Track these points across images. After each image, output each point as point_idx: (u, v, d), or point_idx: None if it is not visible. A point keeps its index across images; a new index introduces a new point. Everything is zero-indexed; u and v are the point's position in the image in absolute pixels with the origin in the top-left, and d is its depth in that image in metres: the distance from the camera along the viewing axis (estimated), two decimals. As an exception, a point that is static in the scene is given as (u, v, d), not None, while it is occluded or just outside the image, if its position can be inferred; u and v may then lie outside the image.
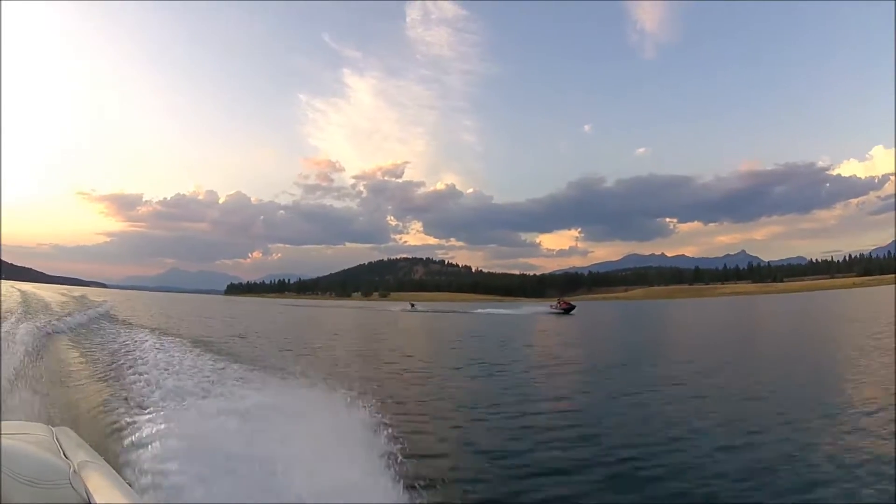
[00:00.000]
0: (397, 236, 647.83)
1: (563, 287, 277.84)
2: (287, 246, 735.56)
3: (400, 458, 4.79)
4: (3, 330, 10.37)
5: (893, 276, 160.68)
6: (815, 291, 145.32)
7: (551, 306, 53.36)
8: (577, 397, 10.33)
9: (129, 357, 10.03)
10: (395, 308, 69.20)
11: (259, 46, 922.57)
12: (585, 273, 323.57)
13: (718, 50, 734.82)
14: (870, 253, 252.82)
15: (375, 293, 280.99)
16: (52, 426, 2.54)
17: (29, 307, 21.70)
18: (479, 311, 59.17)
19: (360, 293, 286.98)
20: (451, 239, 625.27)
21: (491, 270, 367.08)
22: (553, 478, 5.72)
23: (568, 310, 50.82)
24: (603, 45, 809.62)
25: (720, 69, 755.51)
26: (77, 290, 67.74)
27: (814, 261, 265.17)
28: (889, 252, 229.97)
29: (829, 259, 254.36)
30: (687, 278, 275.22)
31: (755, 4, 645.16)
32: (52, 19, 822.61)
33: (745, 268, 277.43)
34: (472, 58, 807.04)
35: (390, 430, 5.52)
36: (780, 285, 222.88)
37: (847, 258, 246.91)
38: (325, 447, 4.38)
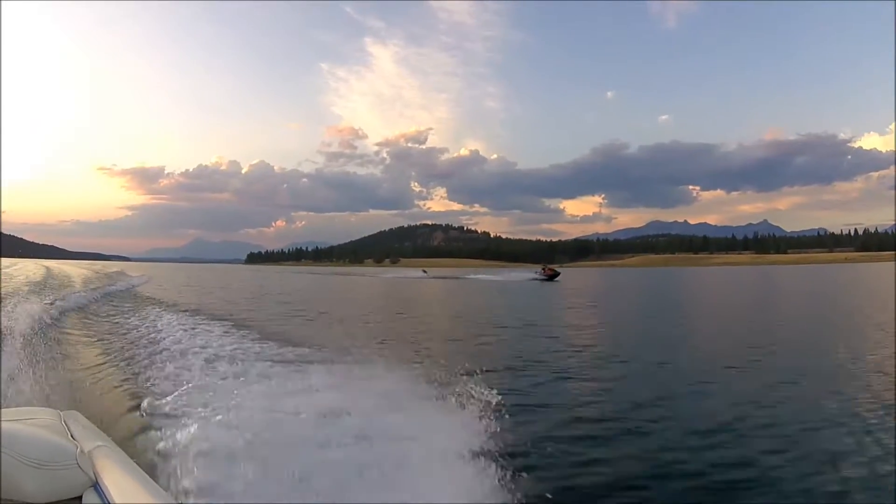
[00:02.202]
0: (421, 202, 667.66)
1: (574, 254, 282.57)
2: (311, 214, 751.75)
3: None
4: (10, 308, 9.84)
5: (893, 253, 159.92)
6: (804, 265, 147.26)
7: (536, 273, 53.52)
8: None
9: (143, 336, 9.90)
10: (389, 275, 71.30)
11: (281, 18, 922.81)
12: (610, 239, 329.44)
13: (740, 19, 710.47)
14: (894, 227, 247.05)
15: (387, 260, 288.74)
16: (61, 410, 2.41)
17: (46, 284, 21.35)
18: (470, 276, 60.59)
19: (371, 260, 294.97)
20: (475, 205, 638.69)
21: (515, 236, 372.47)
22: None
23: (552, 276, 50.89)
24: (625, 12, 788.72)
25: (742, 38, 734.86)
26: (114, 266, 67.21)
27: (833, 233, 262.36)
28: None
29: (849, 233, 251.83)
30: (696, 247, 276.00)
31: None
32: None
33: (752, 237, 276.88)
34: (494, 25, 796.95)
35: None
36: (770, 257, 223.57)
37: (866, 231, 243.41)
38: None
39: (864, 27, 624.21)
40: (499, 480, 3.64)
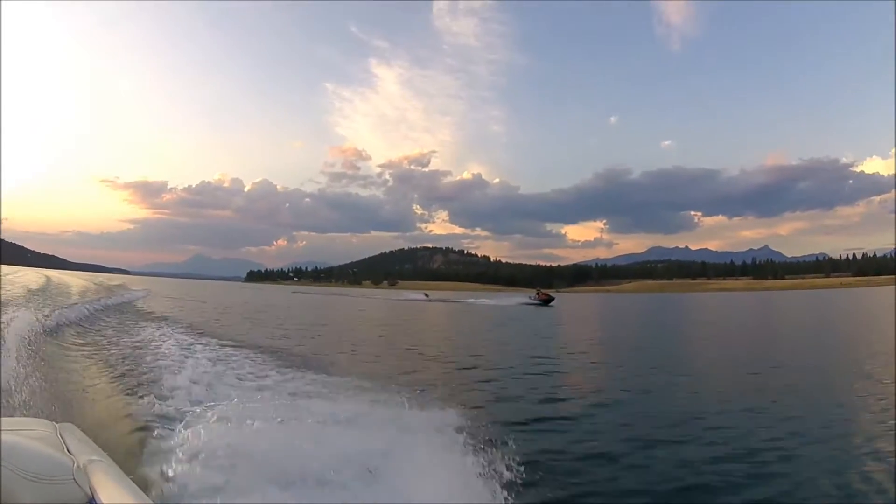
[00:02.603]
0: (423, 225, 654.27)
1: (572, 279, 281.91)
2: (312, 234, 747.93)
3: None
4: (8, 318, 9.66)
5: (890, 277, 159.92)
6: (798, 291, 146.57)
7: (530, 297, 53.90)
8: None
9: (140, 350, 9.85)
10: (392, 297, 70.39)
11: (286, 37, 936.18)
12: (610, 265, 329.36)
13: (744, 44, 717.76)
14: (894, 251, 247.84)
15: (385, 282, 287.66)
16: (57, 422, 2.39)
17: (45, 295, 20.95)
18: (468, 301, 60.28)
19: (370, 281, 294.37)
20: (477, 228, 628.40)
21: (516, 261, 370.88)
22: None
23: (546, 301, 51.01)
24: (629, 37, 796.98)
25: (746, 63, 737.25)
26: (116, 279, 67.24)
27: (832, 258, 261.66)
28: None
29: (847, 258, 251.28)
30: (693, 273, 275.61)
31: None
32: (79, 7, 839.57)
33: (751, 263, 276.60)
34: (499, 48, 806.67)
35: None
36: (766, 283, 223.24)
37: (864, 256, 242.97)
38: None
39: (866, 51, 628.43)
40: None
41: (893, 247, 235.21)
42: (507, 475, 4.21)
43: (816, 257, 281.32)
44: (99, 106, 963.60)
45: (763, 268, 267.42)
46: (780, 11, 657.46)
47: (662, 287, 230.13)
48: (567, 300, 68.81)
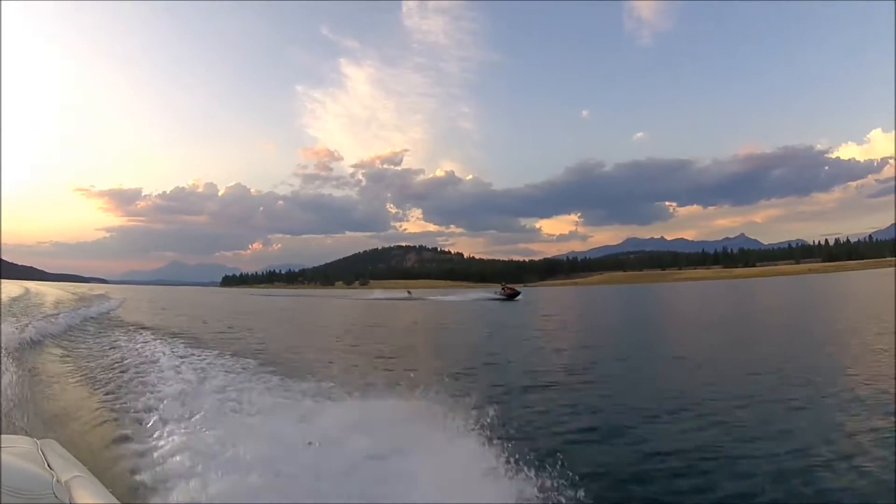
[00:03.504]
0: (397, 224, 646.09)
1: (543, 273, 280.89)
2: (287, 236, 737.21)
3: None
4: None
5: (861, 262, 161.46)
6: (767, 278, 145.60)
7: (495, 292, 52.90)
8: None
9: (122, 362, 9.66)
10: (370, 296, 68.78)
11: (256, 39, 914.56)
12: (584, 258, 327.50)
13: (715, 37, 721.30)
14: (868, 236, 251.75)
15: (356, 282, 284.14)
16: (38, 439, 2.43)
17: (25, 308, 21.05)
18: (430, 297, 59.33)
19: (342, 282, 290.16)
20: (451, 226, 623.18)
21: (492, 256, 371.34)
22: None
23: (512, 296, 50.01)
24: (599, 31, 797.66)
25: (716, 53, 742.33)
26: (98, 289, 68.97)
27: (807, 244, 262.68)
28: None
29: (820, 243, 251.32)
30: (665, 263, 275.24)
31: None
32: (48, 15, 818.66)
33: (725, 251, 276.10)
34: (468, 45, 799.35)
35: None
36: (736, 271, 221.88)
37: (837, 242, 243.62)
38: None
39: (840, 38, 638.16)
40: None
41: (869, 232, 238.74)
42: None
43: (790, 244, 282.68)
44: (72, 115, 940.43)
45: (734, 256, 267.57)
46: (750, 4, 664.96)
47: (630, 278, 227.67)
48: (529, 295, 65.26)
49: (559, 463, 4.43)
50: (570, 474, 4.27)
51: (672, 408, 7.19)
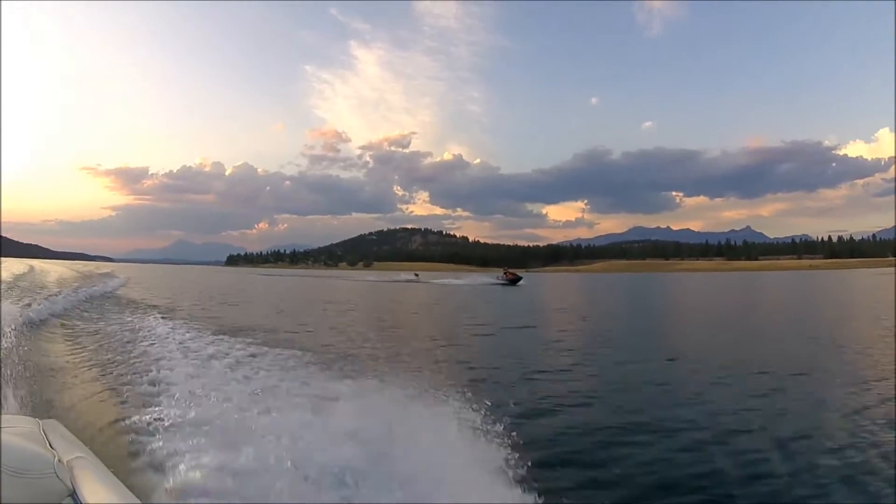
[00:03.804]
0: (404, 206, 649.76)
1: (547, 259, 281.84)
2: (293, 216, 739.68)
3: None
4: None
5: (863, 260, 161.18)
6: (766, 272, 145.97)
7: (497, 277, 53.34)
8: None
9: (126, 342, 9.52)
10: (358, 276, 70.50)
11: (265, 19, 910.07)
12: (591, 245, 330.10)
13: (725, 26, 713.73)
14: (872, 235, 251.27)
15: (360, 263, 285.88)
16: (40, 419, 2.40)
17: (30, 285, 20.71)
18: (434, 281, 60.20)
19: (346, 263, 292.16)
20: (458, 209, 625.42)
21: (497, 241, 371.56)
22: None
23: (513, 281, 50.19)
24: (610, 20, 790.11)
25: (727, 45, 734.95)
26: (105, 267, 68.43)
27: (811, 240, 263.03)
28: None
29: (823, 239, 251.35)
30: (667, 253, 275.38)
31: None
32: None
33: (729, 244, 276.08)
34: (479, 30, 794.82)
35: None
36: (737, 263, 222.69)
37: (841, 239, 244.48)
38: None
39: (851, 35, 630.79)
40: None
41: (874, 230, 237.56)
42: None
43: (793, 239, 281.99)
44: (79, 94, 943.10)
45: (737, 248, 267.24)
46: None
47: (630, 267, 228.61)
48: (532, 280, 67.18)
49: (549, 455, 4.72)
50: (570, 474, 4.51)
51: (645, 405, 6.97)
